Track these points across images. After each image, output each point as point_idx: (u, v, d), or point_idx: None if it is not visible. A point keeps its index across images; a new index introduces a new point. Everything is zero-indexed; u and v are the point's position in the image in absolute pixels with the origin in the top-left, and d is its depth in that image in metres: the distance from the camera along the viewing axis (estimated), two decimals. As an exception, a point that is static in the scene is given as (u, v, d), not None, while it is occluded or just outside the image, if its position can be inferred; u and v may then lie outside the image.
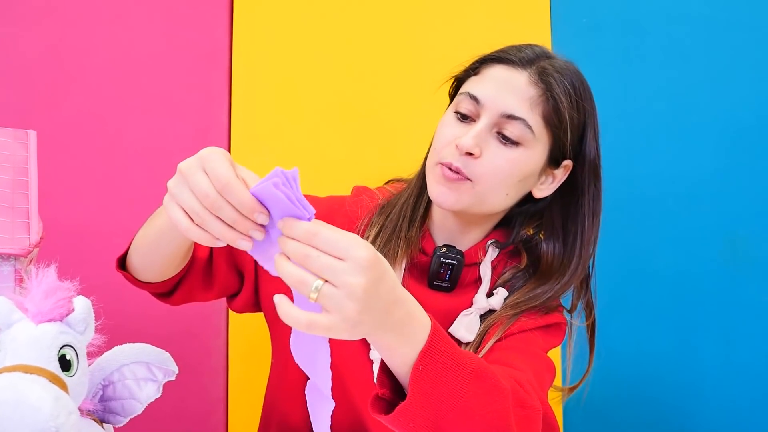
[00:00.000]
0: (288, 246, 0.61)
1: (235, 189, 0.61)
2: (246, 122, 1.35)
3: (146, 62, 1.36)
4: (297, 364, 0.99)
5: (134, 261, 0.93)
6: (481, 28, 1.39)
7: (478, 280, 0.98)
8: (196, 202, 0.63)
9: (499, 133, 0.91)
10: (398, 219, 0.99)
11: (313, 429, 0.75)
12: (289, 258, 0.61)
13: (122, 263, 0.95)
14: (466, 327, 0.94)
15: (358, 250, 0.59)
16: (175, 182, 0.65)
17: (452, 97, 1.02)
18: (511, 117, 0.90)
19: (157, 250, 0.88)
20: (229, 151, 1.34)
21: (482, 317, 0.94)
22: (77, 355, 0.66)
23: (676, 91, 1.42)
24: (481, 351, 0.90)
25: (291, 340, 0.73)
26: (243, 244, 0.64)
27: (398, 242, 0.97)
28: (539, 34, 1.37)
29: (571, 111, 0.92)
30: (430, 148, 0.98)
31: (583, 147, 0.95)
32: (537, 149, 0.93)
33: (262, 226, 0.63)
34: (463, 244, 0.99)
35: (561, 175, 0.97)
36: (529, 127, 0.90)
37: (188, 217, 0.64)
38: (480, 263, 0.98)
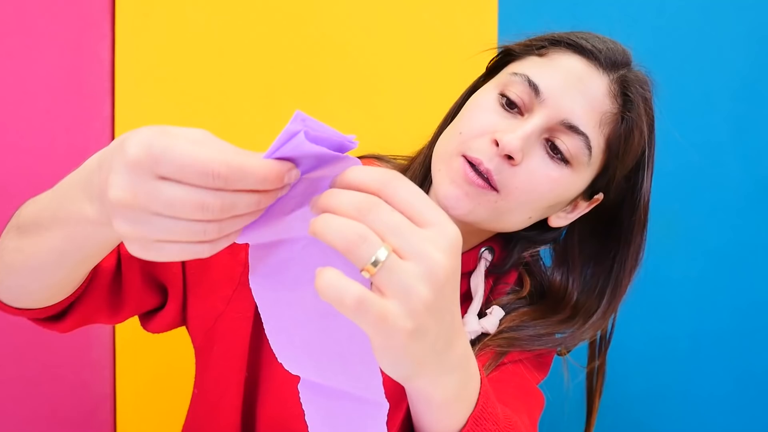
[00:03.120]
0: (340, 197, 0.43)
1: (248, 167, 0.42)
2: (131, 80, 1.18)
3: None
4: (233, 404, 0.75)
5: (4, 283, 0.63)
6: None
7: (468, 295, 0.80)
8: (190, 226, 0.42)
9: (548, 140, 0.71)
10: None
11: None
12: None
13: None
14: None
15: (447, 221, 0.43)
16: (132, 219, 0.43)
17: (492, 69, 0.81)
18: (572, 128, 0.71)
19: (51, 273, 0.60)
20: (113, 111, 1.17)
21: (473, 342, 0.77)
22: None
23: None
24: None
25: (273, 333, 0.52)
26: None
27: None
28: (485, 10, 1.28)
29: (642, 141, 0.74)
30: (445, 127, 0.78)
31: (637, 188, 0.77)
32: (583, 175, 0.74)
33: None
34: None
35: (584, 207, 0.79)
36: (589, 148, 0.71)
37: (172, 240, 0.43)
38: (471, 273, 0.80)
